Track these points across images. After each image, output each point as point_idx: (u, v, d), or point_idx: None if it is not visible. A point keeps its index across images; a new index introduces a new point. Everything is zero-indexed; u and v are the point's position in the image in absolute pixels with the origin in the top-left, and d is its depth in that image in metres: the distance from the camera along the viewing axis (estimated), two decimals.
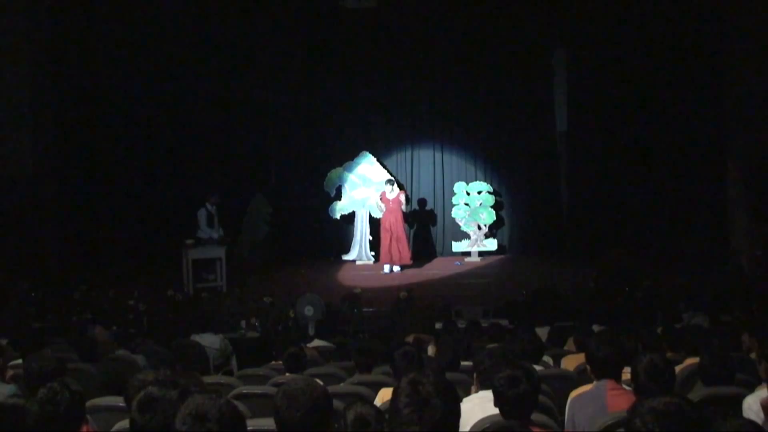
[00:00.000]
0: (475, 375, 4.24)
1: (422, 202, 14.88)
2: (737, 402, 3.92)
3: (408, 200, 14.65)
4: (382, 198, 13.47)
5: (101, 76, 13.48)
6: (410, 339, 7.14)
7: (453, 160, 14.98)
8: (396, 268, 13.31)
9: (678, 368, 4.89)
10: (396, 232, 13.21)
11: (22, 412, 2.67)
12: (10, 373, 5.11)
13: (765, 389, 3.93)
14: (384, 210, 13.49)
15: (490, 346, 5.92)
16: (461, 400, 3.04)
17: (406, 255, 13.33)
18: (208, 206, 12.26)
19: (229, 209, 14.31)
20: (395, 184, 13.61)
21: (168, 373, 3.46)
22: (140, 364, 6.13)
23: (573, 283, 11.49)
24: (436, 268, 13.66)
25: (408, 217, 14.41)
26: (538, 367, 5.35)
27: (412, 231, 14.72)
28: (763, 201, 11.55)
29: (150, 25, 13.45)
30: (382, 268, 13.34)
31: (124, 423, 3.67)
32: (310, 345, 7.57)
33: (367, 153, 14.58)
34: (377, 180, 14.22)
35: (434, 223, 14.88)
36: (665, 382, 3.63)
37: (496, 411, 3.46)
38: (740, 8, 11.91)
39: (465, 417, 3.71)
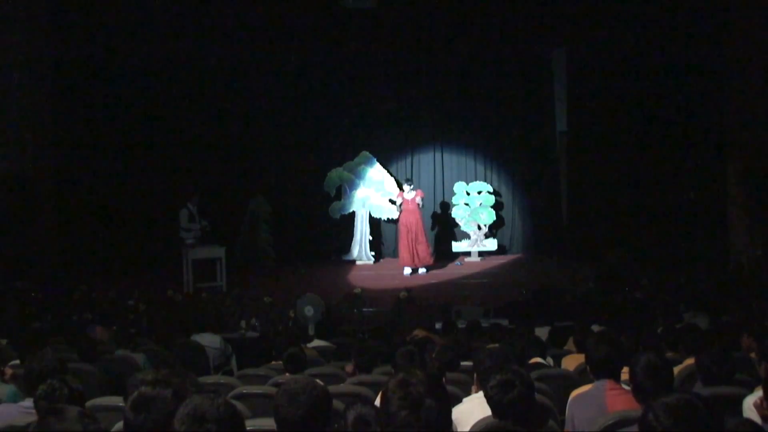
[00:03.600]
0: (475, 375, 4.24)
1: (423, 202, 14.87)
2: (737, 402, 3.92)
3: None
4: (401, 196, 13.29)
5: (101, 75, 13.48)
6: (419, 334, 7.12)
7: (453, 160, 15.00)
8: (420, 270, 13.15)
9: (678, 368, 4.89)
10: (416, 234, 13.01)
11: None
12: (9, 372, 5.11)
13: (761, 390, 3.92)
14: (402, 210, 13.33)
15: (490, 346, 5.92)
16: (451, 398, 3.02)
17: (427, 256, 13.14)
18: (190, 206, 12.28)
19: (228, 210, 14.37)
20: (413, 183, 13.51)
21: (166, 372, 3.45)
22: (140, 364, 6.13)
23: (573, 283, 11.49)
24: (436, 268, 13.66)
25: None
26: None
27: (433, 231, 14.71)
28: (763, 201, 11.55)
29: (149, 25, 13.45)
30: (403, 270, 13.13)
31: None
32: (310, 345, 7.57)
33: (368, 153, 14.58)
34: (377, 180, 14.22)
35: (434, 223, 14.88)
36: (663, 382, 3.62)
37: None
38: (740, 8, 11.91)
39: (465, 417, 3.71)
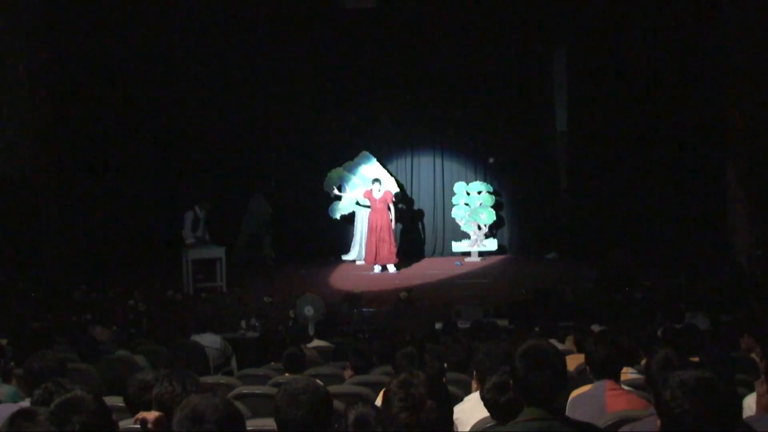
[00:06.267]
0: (474, 373, 4.24)
1: (422, 202, 14.89)
2: None
3: (407, 198, 14.67)
4: (367, 195, 13.43)
5: (101, 75, 13.47)
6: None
7: (453, 160, 14.99)
8: (391, 268, 13.26)
9: None
10: (380, 233, 13.16)
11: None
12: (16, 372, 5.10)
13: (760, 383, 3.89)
14: (370, 209, 13.45)
15: (490, 345, 5.91)
16: (452, 399, 3.01)
17: (391, 255, 13.23)
18: (197, 209, 12.26)
19: (228, 210, 14.37)
20: (383, 183, 13.57)
21: (165, 372, 3.46)
22: (140, 364, 6.13)
23: (573, 283, 11.49)
24: (436, 268, 13.65)
25: (399, 217, 14.35)
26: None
27: (399, 230, 14.63)
28: (763, 201, 11.55)
29: (150, 25, 13.45)
30: (372, 269, 13.29)
31: (125, 423, 3.67)
32: (310, 345, 7.57)
33: (367, 153, 14.57)
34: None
35: (434, 223, 14.88)
36: None
37: None
38: (740, 8, 11.92)
39: (465, 417, 3.72)
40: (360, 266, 14.00)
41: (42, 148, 12.62)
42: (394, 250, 13.33)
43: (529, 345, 2.82)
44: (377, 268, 13.27)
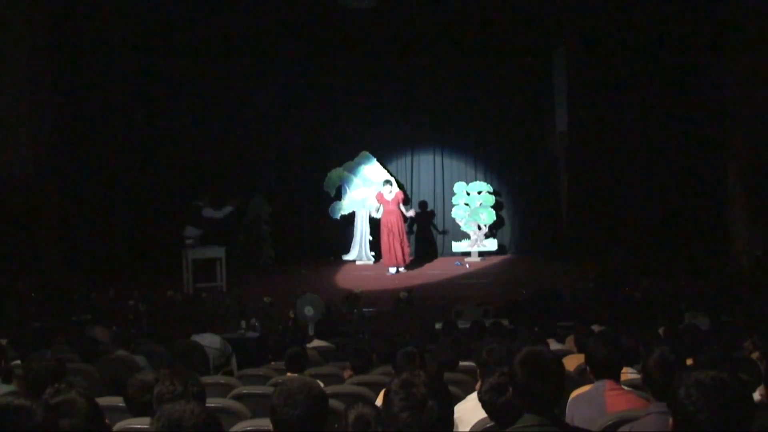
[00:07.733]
0: (478, 372, 4.24)
1: (422, 202, 14.88)
2: None
3: (408, 200, 14.65)
4: (380, 198, 13.43)
5: (101, 76, 13.47)
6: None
7: (453, 160, 15.00)
8: (401, 269, 13.27)
9: None
10: (396, 233, 13.18)
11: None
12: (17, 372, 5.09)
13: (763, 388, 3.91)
14: (382, 211, 13.45)
15: (492, 344, 5.90)
16: (453, 399, 3.01)
17: (407, 255, 13.30)
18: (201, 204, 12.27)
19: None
20: (393, 185, 13.56)
21: (165, 372, 3.45)
22: (140, 364, 6.12)
23: (573, 283, 11.48)
24: (436, 268, 13.66)
25: (407, 217, 14.38)
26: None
27: (413, 231, 14.70)
28: (763, 201, 11.55)
29: (149, 26, 13.45)
30: (387, 271, 13.25)
31: (124, 423, 3.67)
32: (310, 345, 7.56)
33: (368, 153, 14.57)
34: (377, 180, 14.21)
35: (434, 224, 14.88)
36: (675, 376, 3.60)
37: None
38: (740, 8, 11.91)
39: (465, 417, 3.71)
40: (360, 266, 14.00)
41: (43, 149, 12.62)
42: (407, 250, 13.36)
43: (528, 351, 2.81)
44: (393, 270, 13.21)
